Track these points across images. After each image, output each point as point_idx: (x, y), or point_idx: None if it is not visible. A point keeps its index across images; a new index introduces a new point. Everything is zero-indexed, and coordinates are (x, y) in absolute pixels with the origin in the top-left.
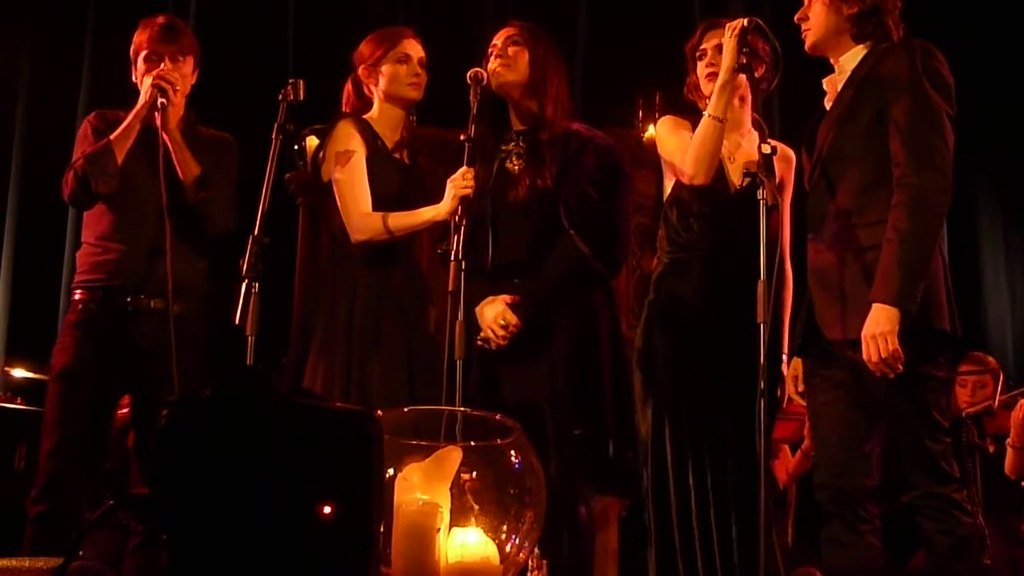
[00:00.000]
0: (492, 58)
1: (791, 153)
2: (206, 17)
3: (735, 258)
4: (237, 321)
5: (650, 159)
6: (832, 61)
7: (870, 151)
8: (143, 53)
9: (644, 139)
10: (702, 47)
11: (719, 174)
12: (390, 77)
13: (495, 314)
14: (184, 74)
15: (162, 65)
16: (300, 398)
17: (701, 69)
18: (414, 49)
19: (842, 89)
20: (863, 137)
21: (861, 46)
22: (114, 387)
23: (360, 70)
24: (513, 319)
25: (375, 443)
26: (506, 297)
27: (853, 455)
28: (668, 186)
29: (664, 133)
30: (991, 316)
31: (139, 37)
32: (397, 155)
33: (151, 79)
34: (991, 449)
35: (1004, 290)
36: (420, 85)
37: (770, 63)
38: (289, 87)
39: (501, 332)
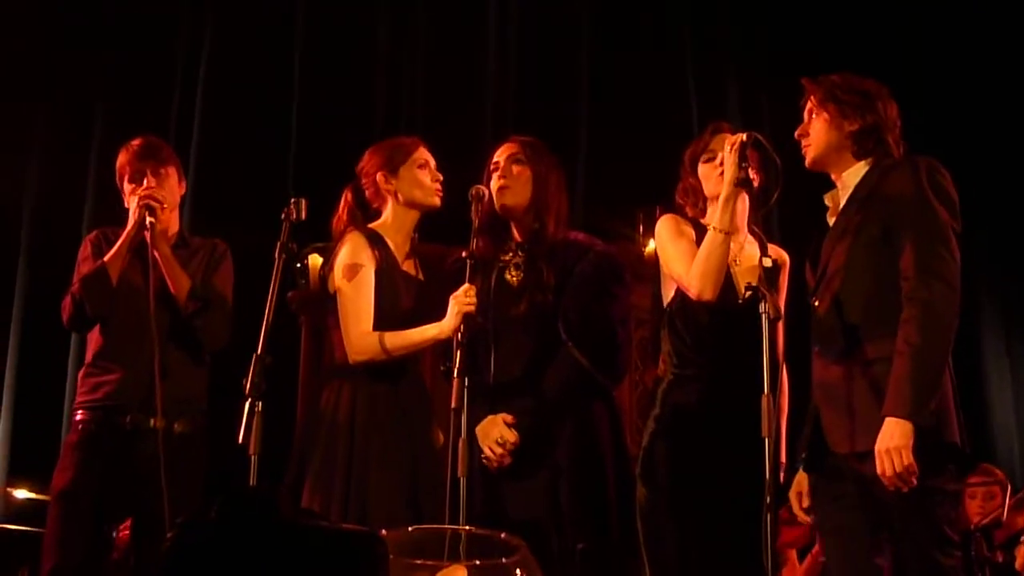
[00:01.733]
0: (495, 177)
1: (785, 256)
2: (209, 137)
3: (741, 370)
4: (240, 440)
5: (651, 274)
6: (833, 177)
7: (876, 266)
8: (126, 175)
9: (645, 253)
10: (711, 148)
11: (726, 281)
12: (412, 182)
13: (493, 433)
14: (170, 187)
15: (145, 182)
16: (305, 519)
17: (708, 170)
18: (430, 157)
19: (845, 205)
20: (869, 253)
21: (863, 162)
22: (115, 508)
23: (378, 176)
24: (512, 437)
25: (381, 564)
26: (506, 416)
27: (865, 570)
28: (669, 293)
29: (665, 237)
30: (997, 425)
31: (120, 161)
32: (408, 267)
33: (137, 199)
34: (999, 559)
35: (1009, 399)
36: (441, 192)
37: (770, 177)
38: (291, 206)
39: (499, 451)
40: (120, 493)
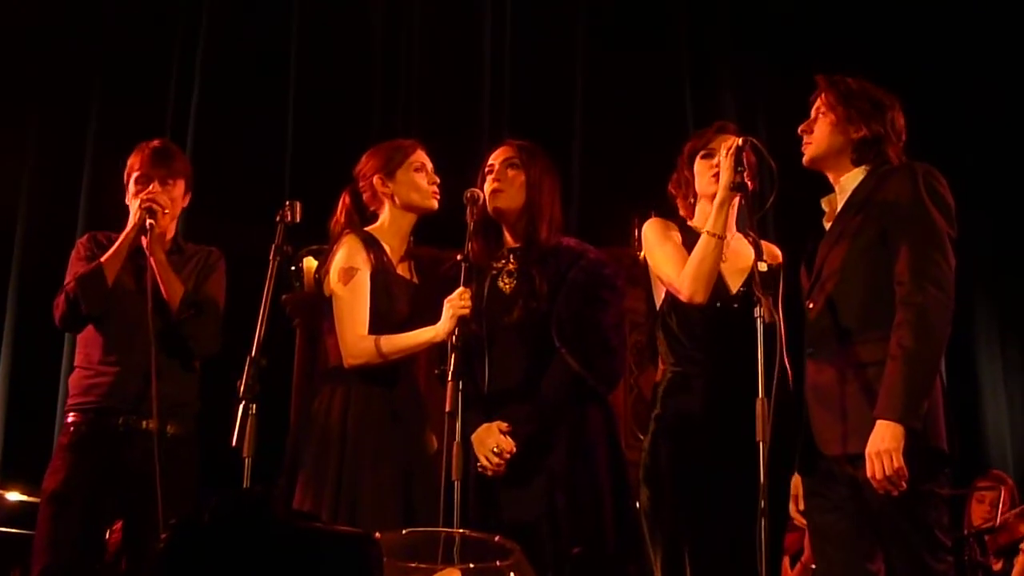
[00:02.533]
0: (489, 180)
1: (778, 252)
2: (203, 139)
3: (740, 370)
4: (234, 442)
5: (646, 278)
6: (831, 179)
7: (871, 270)
8: (135, 175)
9: (640, 258)
10: (711, 146)
11: (717, 280)
12: (409, 185)
13: (490, 442)
14: (174, 197)
15: (151, 187)
16: (299, 521)
17: (704, 167)
18: (427, 159)
19: (842, 209)
20: (864, 257)
21: (860, 168)
22: (106, 510)
23: (375, 179)
24: (508, 445)
25: (375, 566)
26: (501, 424)
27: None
28: (660, 295)
29: (652, 241)
30: (990, 431)
31: (132, 159)
32: (403, 270)
33: (139, 201)
34: (996, 567)
35: (1003, 404)
36: (438, 195)
37: (766, 182)
38: (286, 208)
39: (496, 460)
40: (112, 495)
